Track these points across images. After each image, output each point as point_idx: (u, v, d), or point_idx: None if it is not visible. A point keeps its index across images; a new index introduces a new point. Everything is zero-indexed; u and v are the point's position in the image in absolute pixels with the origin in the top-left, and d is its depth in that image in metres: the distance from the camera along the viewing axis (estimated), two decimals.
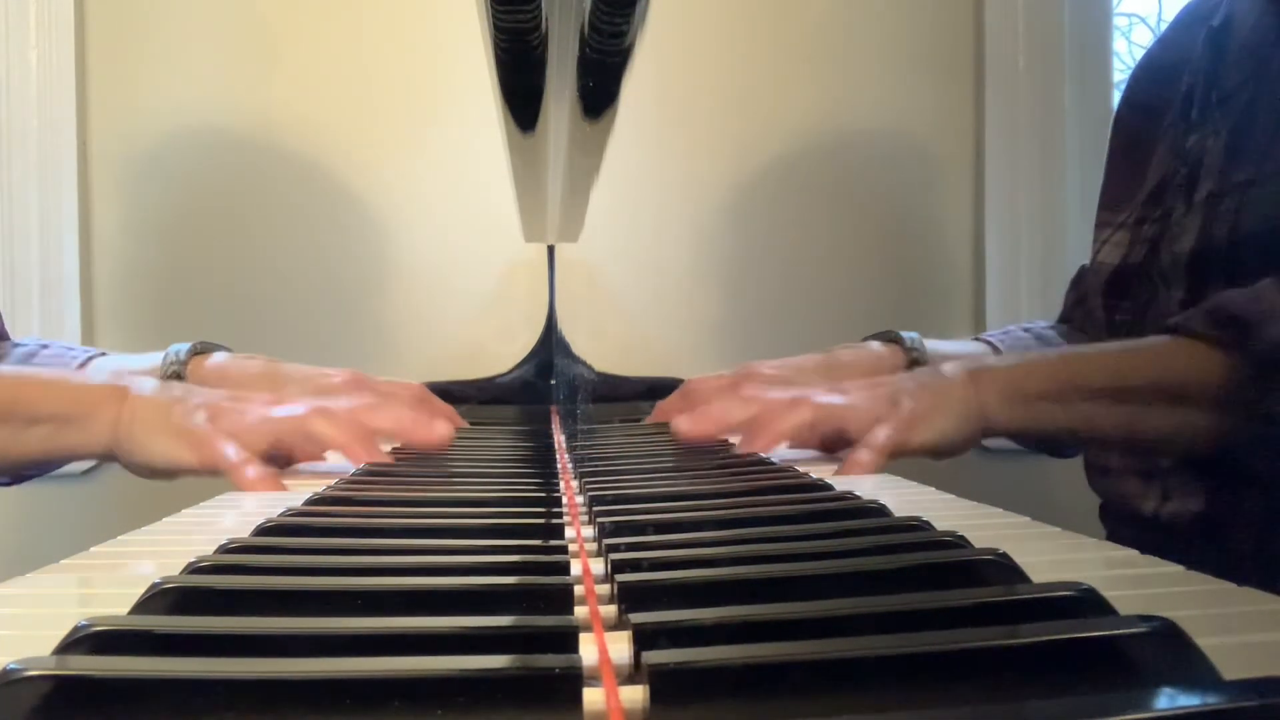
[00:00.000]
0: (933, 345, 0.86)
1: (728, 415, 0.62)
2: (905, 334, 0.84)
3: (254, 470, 0.56)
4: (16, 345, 0.84)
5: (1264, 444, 0.57)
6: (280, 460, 0.63)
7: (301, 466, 0.65)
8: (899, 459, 0.60)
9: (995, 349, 0.88)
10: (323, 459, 0.66)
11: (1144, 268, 0.73)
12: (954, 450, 0.62)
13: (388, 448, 0.65)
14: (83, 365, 0.80)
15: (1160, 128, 0.75)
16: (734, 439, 0.64)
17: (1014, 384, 0.62)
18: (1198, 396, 0.59)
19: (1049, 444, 0.79)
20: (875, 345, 0.84)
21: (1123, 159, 0.81)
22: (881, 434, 0.59)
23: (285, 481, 0.57)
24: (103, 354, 0.84)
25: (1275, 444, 0.56)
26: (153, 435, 0.58)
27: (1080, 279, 0.92)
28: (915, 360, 0.83)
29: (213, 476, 0.57)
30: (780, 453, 0.64)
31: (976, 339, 0.92)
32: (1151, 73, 0.81)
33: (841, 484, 0.45)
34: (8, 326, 0.86)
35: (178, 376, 0.78)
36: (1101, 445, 0.69)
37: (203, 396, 0.61)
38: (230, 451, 0.57)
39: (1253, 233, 0.61)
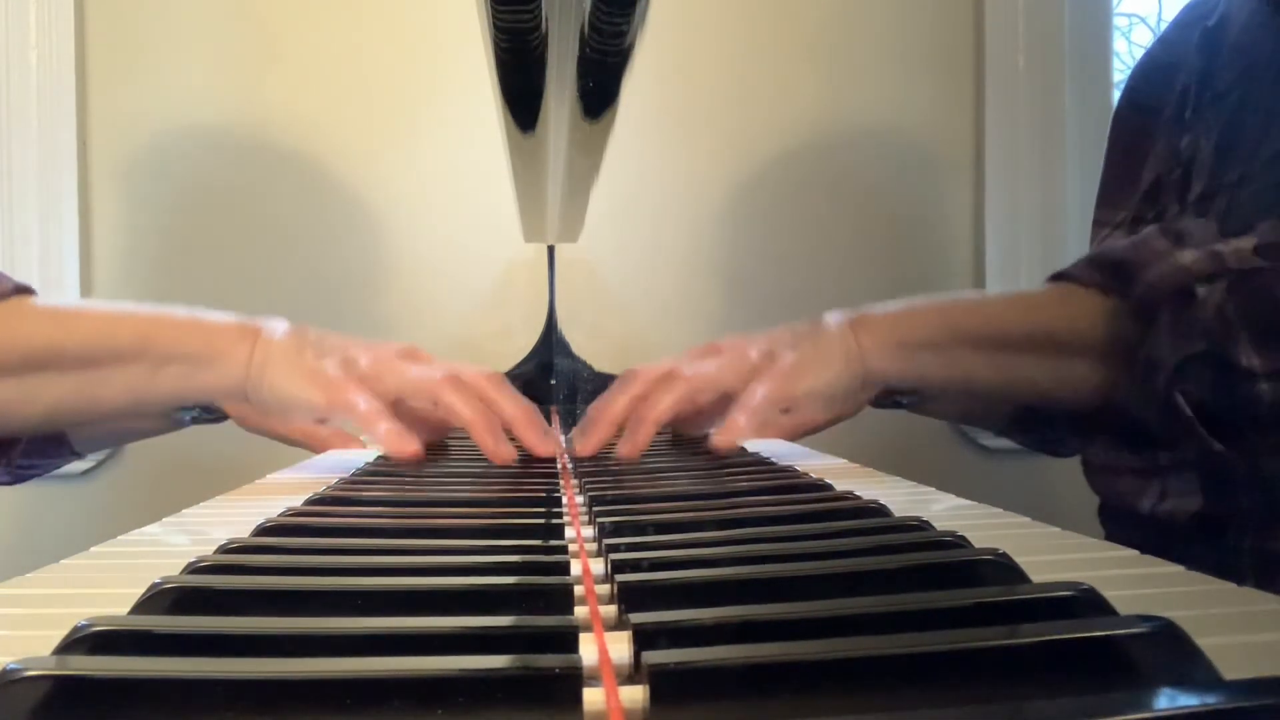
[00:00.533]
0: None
1: (606, 413, 0.59)
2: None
3: (387, 424, 0.56)
4: None
5: (1144, 393, 0.56)
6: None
7: (281, 474, 0.62)
8: (779, 411, 0.58)
9: None
10: (446, 432, 0.64)
11: None
12: (836, 399, 0.60)
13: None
14: None
15: (1157, 126, 0.75)
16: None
17: (895, 331, 0.60)
18: (1080, 345, 0.58)
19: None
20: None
21: (1121, 158, 0.80)
22: (759, 391, 0.57)
23: (270, 478, 0.56)
24: None
25: (1157, 393, 0.55)
26: (284, 375, 0.58)
27: None
28: None
29: (338, 421, 0.57)
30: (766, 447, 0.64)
31: None
32: (1150, 72, 0.81)
33: (887, 498, 0.42)
34: None
35: None
36: (984, 397, 0.67)
37: (335, 341, 0.61)
38: (361, 401, 0.56)
39: (1240, 232, 0.61)
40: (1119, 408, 0.60)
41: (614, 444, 0.67)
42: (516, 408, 0.59)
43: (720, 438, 0.56)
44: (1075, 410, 0.65)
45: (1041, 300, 0.61)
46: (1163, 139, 0.74)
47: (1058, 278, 0.61)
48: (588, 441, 0.59)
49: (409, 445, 0.56)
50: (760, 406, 0.57)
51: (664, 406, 0.57)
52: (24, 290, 0.63)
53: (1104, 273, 0.58)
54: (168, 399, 0.61)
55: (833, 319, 0.61)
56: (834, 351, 0.59)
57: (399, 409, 0.58)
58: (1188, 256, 0.55)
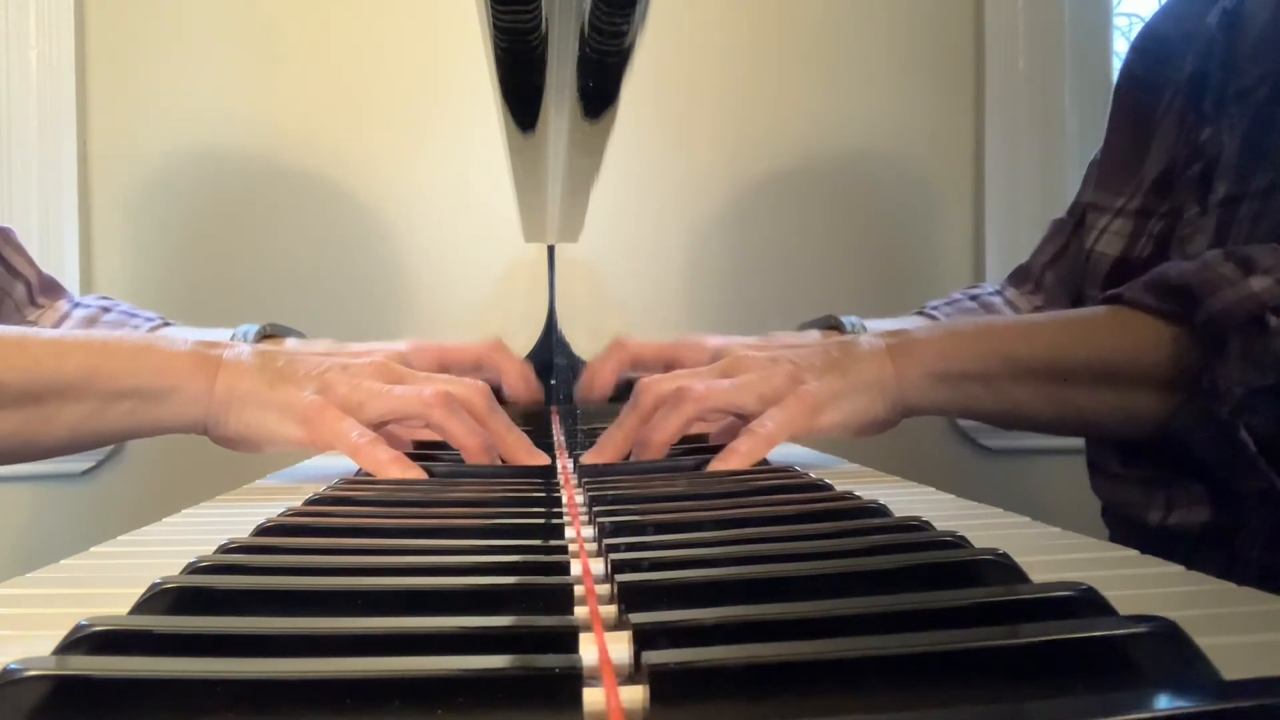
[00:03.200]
0: (875, 324, 0.80)
1: (614, 437, 0.56)
2: (846, 319, 0.77)
3: (385, 452, 0.52)
4: (77, 305, 0.82)
5: (1208, 425, 0.53)
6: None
7: (280, 475, 0.60)
8: (802, 441, 0.54)
9: (933, 319, 0.84)
10: (412, 440, 0.60)
11: (1151, 266, 0.70)
12: (863, 431, 0.56)
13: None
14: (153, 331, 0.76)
15: (1161, 105, 0.71)
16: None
17: (938, 361, 0.56)
18: (1139, 374, 0.55)
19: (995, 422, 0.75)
20: (814, 334, 0.76)
21: (1122, 135, 0.76)
22: (772, 420, 0.53)
23: (270, 479, 0.54)
24: (168, 324, 0.79)
25: (1220, 425, 0.52)
26: (255, 409, 0.53)
27: (1058, 231, 0.87)
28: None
29: (324, 452, 0.53)
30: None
31: (920, 312, 0.87)
32: (1155, 45, 0.76)
33: (886, 498, 0.42)
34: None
35: None
36: (1035, 428, 0.64)
37: (306, 365, 0.56)
38: (352, 432, 0.52)
39: (1270, 241, 0.57)
40: (1175, 437, 0.57)
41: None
42: (508, 429, 0.56)
43: (719, 465, 0.52)
44: (1131, 438, 0.61)
45: (1097, 326, 0.57)
46: (1172, 124, 0.70)
47: (1111, 300, 0.57)
48: (598, 461, 0.56)
49: (411, 471, 0.52)
50: (771, 437, 0.53)
51: (669, 431, 0.54)
52: None
53: (1165, 298, 0.55)
54: (117, 437, 0.56)
55: (868, 342, 0.57)
56: (867, 381, 0.55)
57: (385, 429, 0.55)
58: (1258, 284, 0.51)
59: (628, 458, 0.57)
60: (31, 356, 0.54)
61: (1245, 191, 0.61)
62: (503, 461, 0.56)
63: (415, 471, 0.52)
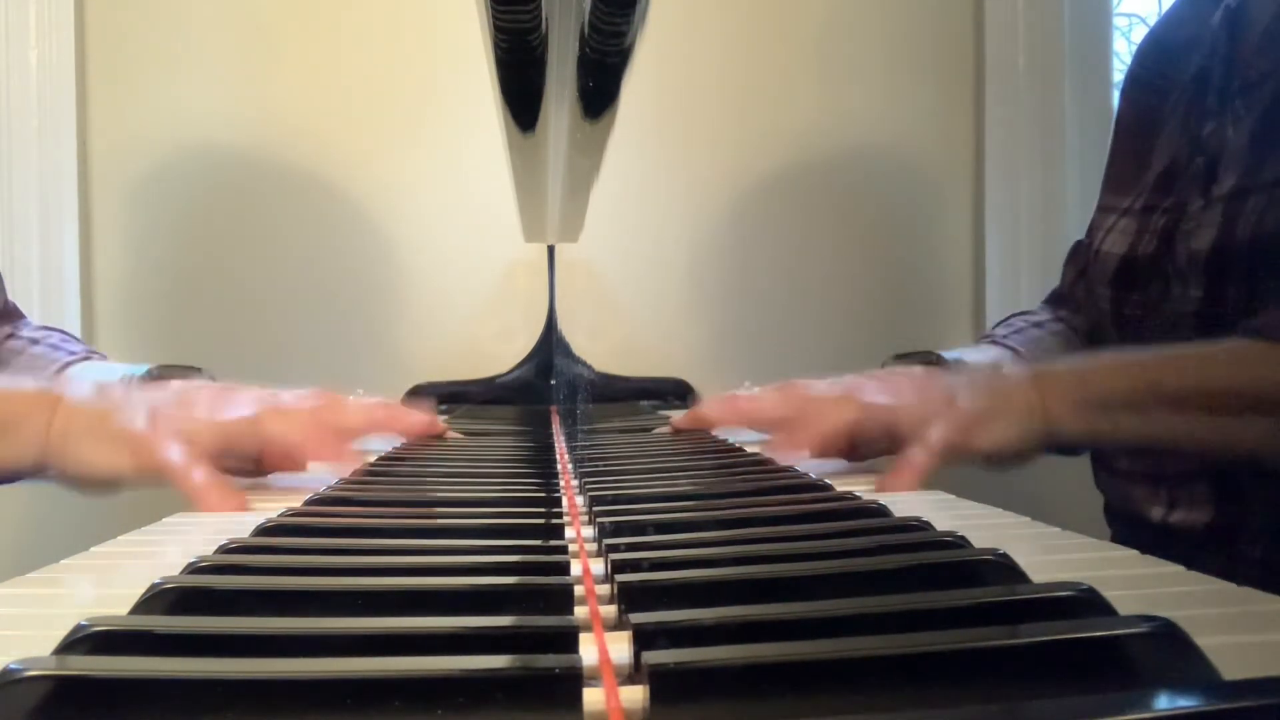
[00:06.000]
0: (955, 356, 0.79)
1: (760, 407, 0.56)
2: (946, 354, 0.78)
3: (201, 473, 0.49)
4: (10, 336, 0.80)
5: None
6: (249, 471, 0.57)
7: (280, 475, 0.59)
8: (954, 464, 0.54)
9: (1017, 353, 0.83)
10: (299, 467, 0.58)
11: (1155, 261, 0.69)
12: (1014, 458, 0.56)
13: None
14: (64, 368, 0.74)
15: (1166, 106, 0.72)
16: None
17: (1084, 388, 0.56)
18: None
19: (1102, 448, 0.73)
20: (918, 369, 0.76)
21: (1128, 139, 0.77)
22: (936, 433, 0.53)
23: (249, 497, 0.51)
24: (99, 358, 0.78)
25: None
26: (87, 442, 0.51)
27: (1076, 253, 0.87)
28: None
29: (155, 486, 0.51)
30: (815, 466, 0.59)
31: (991, 341, 0.85)
32: (1159, 49, 0.77)
33: (885, 498, 0.41)
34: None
35: None
36: (1180, 458, 0.63)
37: (145, 398, 0.54)
38: (174, 454, 0.50)
39: (1278, 234, 0.58)
40: None
41: (624, 443, 0.67)
42: (359, 415, 0.56)
43: (894, 479, 0.52)
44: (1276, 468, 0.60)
45: (1249, 356, 0.56)
46: (1174, 120, 0.71)
47: (1253, 332, 0.56)
48: (715, 414, 0.55)
49: (230, 499, 0.49)
50: (940, 451, 0.52)
51: (835, 422, 0.54)
52: None
53: None
54: None
55: (1013, 372, 0.58)
56: (1017, 406, 0.55)
57: (226, 458, 0.53)
58: None
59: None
60: None
61: (1254, 184, 0.61)
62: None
63: (233, 499, 0.49)
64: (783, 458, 0.54)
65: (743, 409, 0.56)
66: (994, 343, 0.84)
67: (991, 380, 0.57)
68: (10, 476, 0.54)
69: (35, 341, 0.79)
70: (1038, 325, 0.86)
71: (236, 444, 0.54)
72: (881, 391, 0.56)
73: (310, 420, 0.54)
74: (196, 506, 0.49)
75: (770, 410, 0.56)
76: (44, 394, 0.53)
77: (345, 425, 0.55)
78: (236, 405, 0.55)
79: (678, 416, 0.57)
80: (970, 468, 0.54)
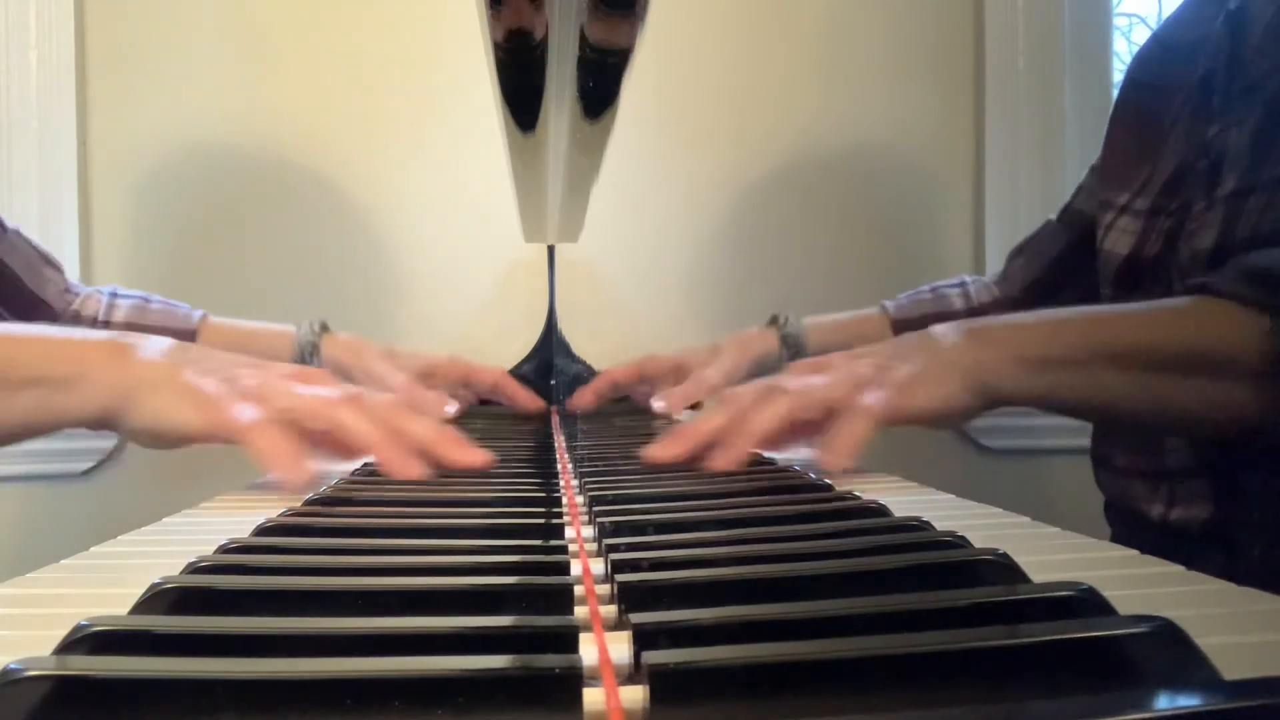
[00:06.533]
0: (812, 320, 0.87)
1: (699, 428, 0.54)
2: (782, 315, 0.86)
3: (274, 439, 0.49)
4: (115, 295, 0.86)
5: None
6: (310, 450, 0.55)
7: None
8: (894, 425, 0.53)
9: (885, 310, 0.89)
10: (351, 457, 0.57)
11: (1159, 261, 0.69)
12: (953, 419, 0.55)
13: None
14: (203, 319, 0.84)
15: (1172, 110, 0.71)
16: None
17: (1021, 346, 0.55)
18: (1227, 363, 0.53)
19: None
20: (753, 329, 0.86)
21: (1126, 137, 0.76)
22: (869, 400, 0.52)
23: (259, 484, 0.51)
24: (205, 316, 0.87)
25: None
26: (157, 396, 0.51)
27: (1043, 229, 0.90)
28: (787, 335, 0.86)
29: (224, 444, 0.51)
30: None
31: (882, 307, 0.92)
32: (1163, 51, 0.76)
33: (886, 498, 0.41)
34: None
35: (314, 347, 0.81)
36: (1120, 420, 0.63)
37: (221, 359, 0.55)
38: (245, 414, 0.50)
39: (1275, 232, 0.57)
40: (1266, 432, 0.55)
41: (624, 443, 0.67)
42: (425, 427, 0.54)
43: (828, 455, 0.51)
44: (1220, 436, 0.60)
45: (1185, 314, 0.55)
46: (1181, 124, 0.70)
47: (1198, 289, 0.56)
48: (666, 453, 0.54)
49: (298, 465, 0.48)
50: (871, 414, 0.52)
51: (766, 421, 0.52)
52: None
53: (1260, 287, 0.53)
54: (22, 428, 0.53)
55: (944, 331, 0.57)
56: (951, 365, 0.54)
57: (300, 431, 0.52)
58: None
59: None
60: None
61: (1254, 184, 0.60)
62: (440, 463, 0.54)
63: (302, 466, 0.49)
64: (720, 469, 0.52)
65: (685, 435, 0.54)
66: (882, 310, 0.91)
67: (922, 344, 0.56)
68: (78, 425, 0.53)
69: (148, 300, 0.86)
70: (932, 289, 0.93)
71: (308, 422, 0.52)
72: (811, 373, 0.55)
73: (387, 422, 0.53)
74: (264, 469, 0.49)
75: (708, 424, 0.54)
76: (116, 344, 0.53)
77: (413, 437, 0.53)
78: (319, 385, 0.54)
79: (651, 449, 0.55)
80: (967, 467, 0.54)
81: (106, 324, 0.83)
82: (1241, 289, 0.54)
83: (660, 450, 0.54)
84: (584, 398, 0.89)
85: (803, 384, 0.54)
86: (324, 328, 0.85)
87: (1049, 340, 0.56)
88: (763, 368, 0.85)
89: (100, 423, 0.53)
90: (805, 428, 0.55)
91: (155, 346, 0.54)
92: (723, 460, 0.52)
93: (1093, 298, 0.77)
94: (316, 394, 0.53)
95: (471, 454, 0.54)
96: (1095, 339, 0.55)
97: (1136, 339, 0.55)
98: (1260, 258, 0.54)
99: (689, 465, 0.53)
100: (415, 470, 0.51)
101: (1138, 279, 0.71)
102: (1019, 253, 0.93)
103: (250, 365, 0.55)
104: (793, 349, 0.88)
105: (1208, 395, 0.54)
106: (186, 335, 0.83)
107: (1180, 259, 0.66)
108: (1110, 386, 0.55)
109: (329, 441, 0.55)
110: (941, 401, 0.54)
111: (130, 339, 0.54)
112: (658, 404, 0.64)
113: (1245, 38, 0.66)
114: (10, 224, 0.84)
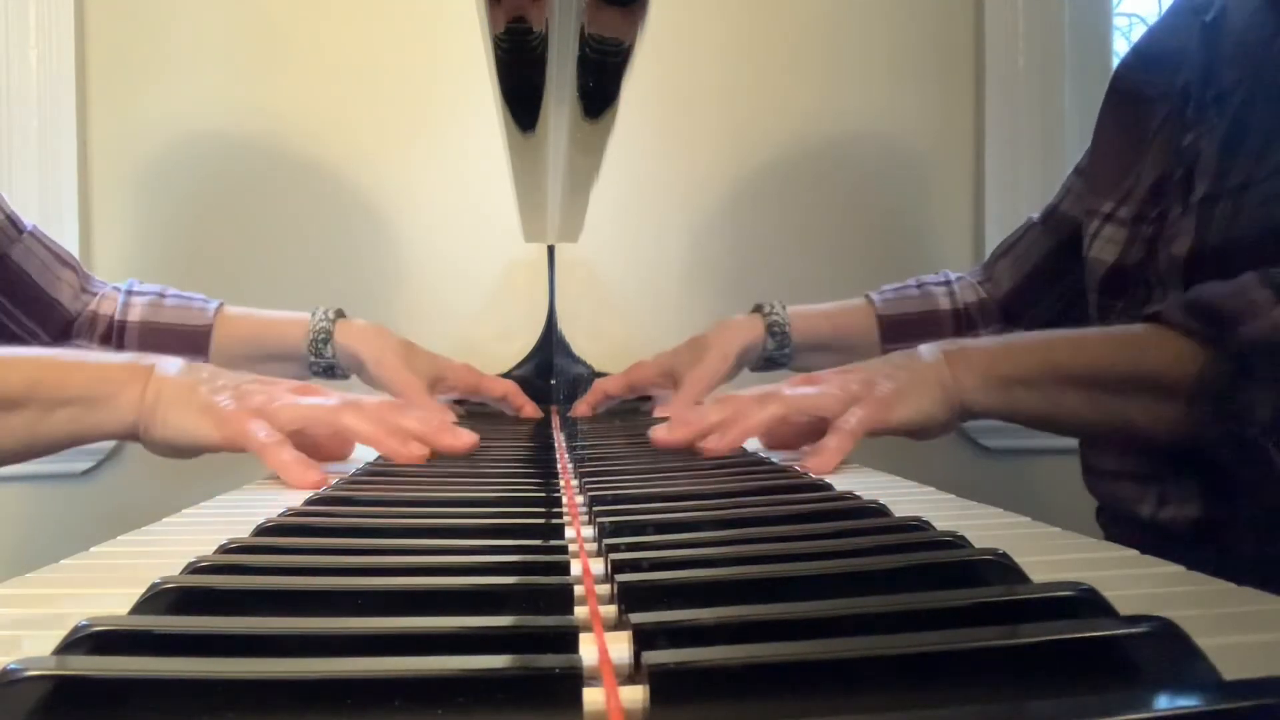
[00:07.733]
0: (799, 309, 0.90)
1: (703, 418, 0.61)
2: (768, 303, 0.90)
3: (289, 452, 0.56)
4: (131, 293, 0.87)
5: (1233, 441, 0.56)
6: (316, 456, 0.61)
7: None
8: (875, 436, 0.59)
9: (871, 302, 0.93)
10: (345, 458, 0.65)
11: (1141, 268, 0.72)
12: (932, 430, 0.62)
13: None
14: (218, 310, 0.86)
15: (1154, 120, 0.73)
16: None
17: (992, 367, 0.62)
18: (1172, 388, 0.58)
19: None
20: (739, 315, 0.90)
21: (1109, 143, 0.79)
22: (854, 416, 0.59)
23: (259, 484, 0.56)
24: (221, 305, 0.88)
25: (1244, 442, 0.55)
26: (177, 412, 0.58)
27: (1026, 229, 0.92)
28: (773, 323, 0.88)
29: (237, 452, 0.57)
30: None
31: (868, 297, 0.95)
32: (1143, 62, 0.79)
33: (886, 498, 0.43)
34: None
35: (327, 334, 0.84)
36: (1074, 431, 0.69)
37: (229, 378, 0.61)
38: (260, 431, 0.56)
39: (1245, 237, 0.60)
40: (1204, 450, 0.60)
41: (624, 443, 0.67)
42: (419, 421, 0.61)
43: (813, 460, 0.57)
44: (1160, 448, 0.65)
45: (1137, 341, 0.61)
46: (1163, 134, 0.72)
47: (1151, 318, 0.61)
48: (670, 437, 0.61)
49: (312, 474, 0.55)
50: (855, 431, 0.58)
51: (760, 417, 0.60)
52: None
53: (1200, 319, 0.58)
54: (59, 443, 0.60)
55: (927, 351, 0.63)
56: (930, 382, 0.61)
57: (298, 440, 0.58)
58: None
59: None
60: None
61: (1221, 190, 0.63)
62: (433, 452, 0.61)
63: (315, 474, 0.55)
64: (711, 451, 0.59)
65: (688, 423, 0.61)
66: (868, 299, 0.94)
67: (908, 362, 0.63)
68: (109, 438, 0.60)
69: (163, 295, 0.88)
70: (919, 285, 0.96)
71: (312, 427, 0.60)
72: (806, 384, 0.62)
73: (382, 419, 0.60)
74: (281, 478, 0.56)
75: (711, 417, 0.61)
76: (137, 366, 0.60)
77: (410, 431, 0.60)
78: (318, 394, 0.61)
79: (657, 431, 0.62)
80: (967, 467, 0.54)
81: (123, 323, 0.85)
82: (1187, 320, 0.59)
83: (665, 433, 0.61)
84: (579, 411, 0.92)
85: (797, 392, 0.61)
86: (339, 314, 0.86)
87: (1014, 362, 0.62)
88: (749, 355, 0.89)
89: (127, 436, 0.60)
90: (796, 433, 0.64)
91: (172, 367, 0.61)
92: (716, 444, 0.59)
93: (1078, 301, 0.82)
94: (318, 403, 0.59)
95: (460, 436, 0.61)
96: (1057, 361, 0.62)
97: (1090, 361, 0.61)
98: (1205, 291, 0.59)
99: (687, 457, 0.59)
100: (415, 452, 0.59)
101: (1123, 286, 0.73)
102: (1004, 254, 0.94)
103: (257, 381, 0.61)
104: (778, 337, 0.89)
105: (1151, 412, 0.60)
106: (203, 328, 0.85)
107: (1158, 265, 0.67)
108: (1064, 404, 0.61)
109: (334, 442, 0.63)
110: (921, 414, 0.60)
111: (149, 359, 0.61)
112: (659, 437, 0.65)
113: (1219, 49, 0.68)
114: (27, 223, 0.85)
